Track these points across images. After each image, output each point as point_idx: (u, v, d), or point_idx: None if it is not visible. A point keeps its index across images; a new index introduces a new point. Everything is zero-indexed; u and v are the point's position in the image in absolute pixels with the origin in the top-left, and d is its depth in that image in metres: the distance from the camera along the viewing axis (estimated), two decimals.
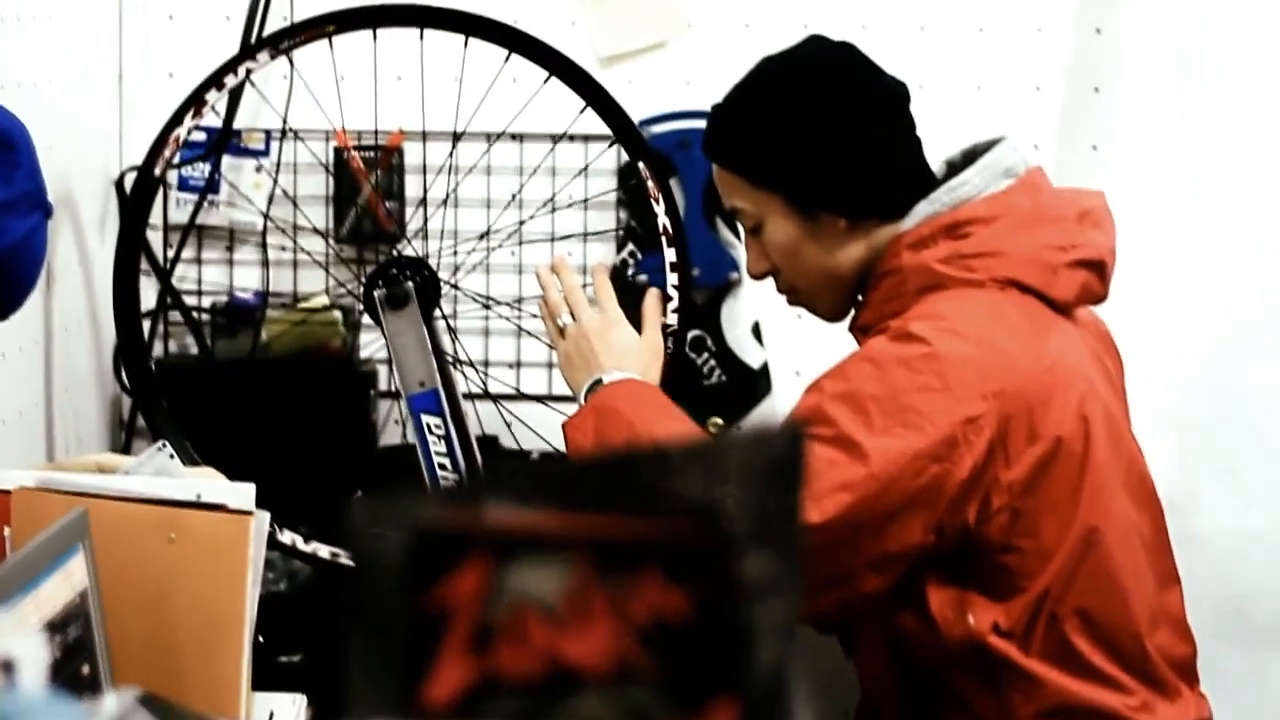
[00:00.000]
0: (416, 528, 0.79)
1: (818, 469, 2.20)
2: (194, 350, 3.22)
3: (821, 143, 2.41)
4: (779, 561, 0.84)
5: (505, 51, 2.65)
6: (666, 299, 2.61)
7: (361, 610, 0.79)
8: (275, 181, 3.18)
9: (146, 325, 3.12)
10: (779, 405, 3.19)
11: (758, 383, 3.23)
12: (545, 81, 2.66)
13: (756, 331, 3.22)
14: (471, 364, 2.84)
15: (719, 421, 3.10)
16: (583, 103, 2.64)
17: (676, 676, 0.81)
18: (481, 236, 3.05)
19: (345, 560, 2.55)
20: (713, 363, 3.21)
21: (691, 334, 3.18)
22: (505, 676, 0.79)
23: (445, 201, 3.09)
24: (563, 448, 2.52)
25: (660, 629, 0.79)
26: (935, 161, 2.51)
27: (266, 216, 3.11)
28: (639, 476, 0.83)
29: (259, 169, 3.19)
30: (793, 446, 0.87)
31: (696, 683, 0.82)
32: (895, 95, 2.47)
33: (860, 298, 2.50)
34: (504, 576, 0.80)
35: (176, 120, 2.61)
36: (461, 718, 0.79)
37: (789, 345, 3.21)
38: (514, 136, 3.18)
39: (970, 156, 2.47)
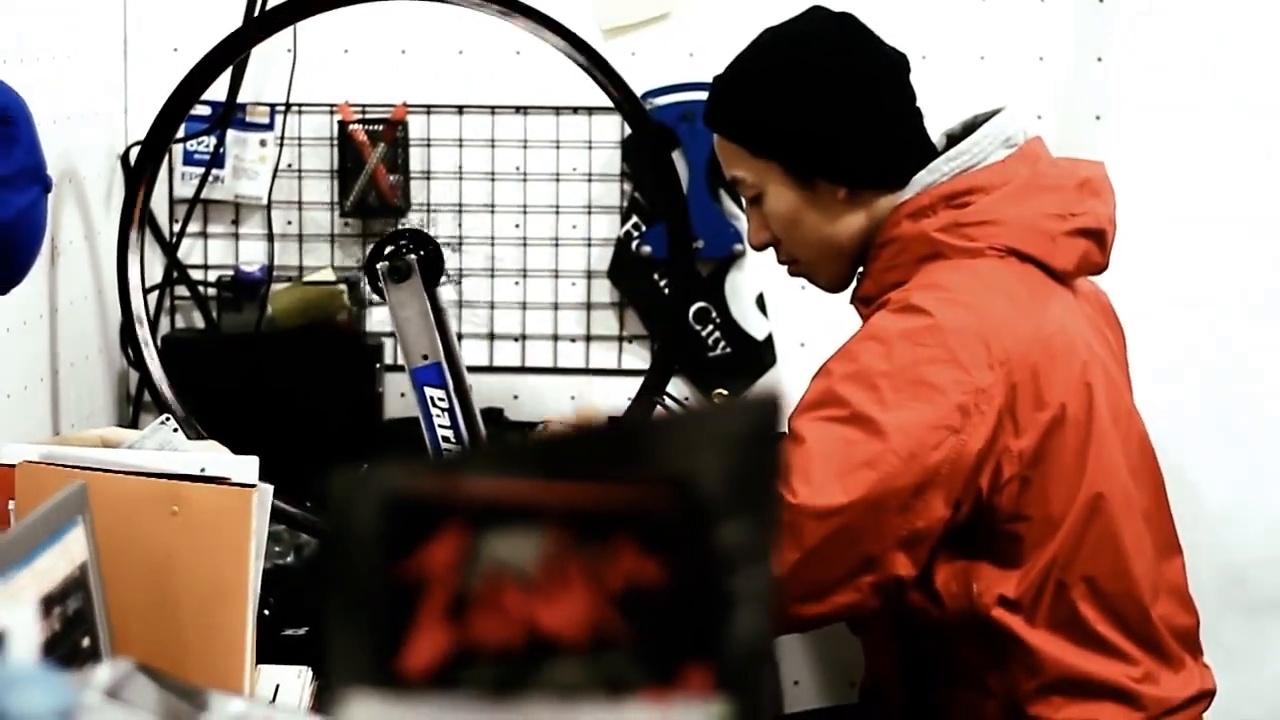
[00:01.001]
0: (392, 497, 0.80)
1: (837, 450, 2.20)
2: (200, 324, 3.23)
3: (820, 113, 2.41)
4: (756, 529, 0.85)
5: (514, 26, 2.65)
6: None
7: (338, 580, 0.79)
8: (279, 155, 3.19)
9: (153, 300, 3.14)
10: (783, 376, 3.20)
11: (762, 354, 3.24)
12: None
13: (761, 303, 3.23)
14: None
15: (723, 393, 3.11)
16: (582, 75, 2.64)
17: (652, 643, 0.82)
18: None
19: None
20: (717, 334, 3.22)
21: (696, 306, 3.19)
22: (482, 645, 0.80)
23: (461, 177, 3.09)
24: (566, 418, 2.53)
25: (636, 597, 0.80)
26: (936, 133, 2.51)
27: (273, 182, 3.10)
28: (615, 446, 0.83)
29: (263, 143, 3.19)
30: (770, 414, 0.88)
31: (672, 649, 0.83)
32: (895, 65, 2.47)
33: (861, 268, 2.50)
34: (480, 545, 0.80)
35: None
36: (439, 686, 0.80)
37: (793, 317, 3.21)
38: (518, 109, 3.18)
39: (970, 128, 2.47)
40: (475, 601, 0.79)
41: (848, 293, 2.56)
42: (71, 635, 1.54)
